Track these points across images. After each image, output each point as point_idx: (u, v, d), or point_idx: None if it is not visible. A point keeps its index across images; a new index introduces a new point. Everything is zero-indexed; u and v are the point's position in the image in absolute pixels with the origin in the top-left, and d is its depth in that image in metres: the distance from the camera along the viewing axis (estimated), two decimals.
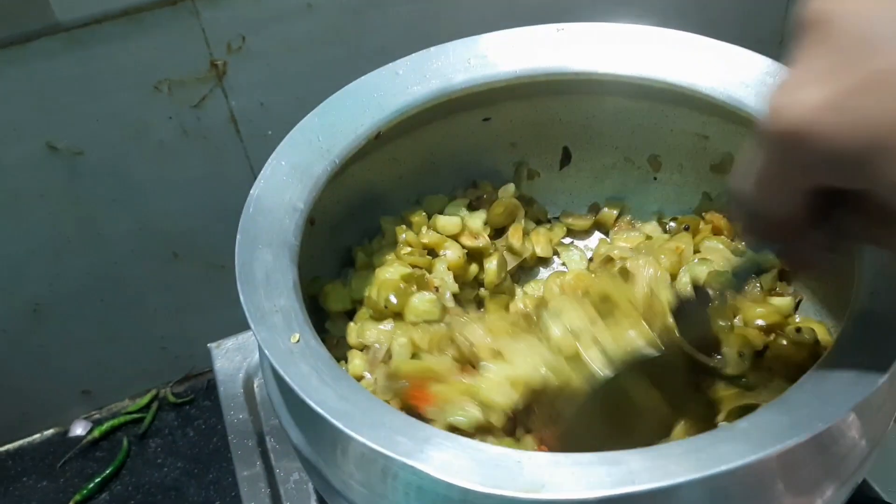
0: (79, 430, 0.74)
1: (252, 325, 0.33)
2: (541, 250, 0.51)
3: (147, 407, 0.75)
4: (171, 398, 0.75)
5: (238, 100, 0.65)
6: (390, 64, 0.46)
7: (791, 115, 0.22)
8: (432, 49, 0.46)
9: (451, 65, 0.46)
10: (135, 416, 0.74)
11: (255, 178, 0.68)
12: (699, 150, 0.49)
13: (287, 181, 0.40)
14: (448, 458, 0.28)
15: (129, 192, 0.66)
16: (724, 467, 0.26)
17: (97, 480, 0.69)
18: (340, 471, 0.32)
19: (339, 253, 0.50)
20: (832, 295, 0.43)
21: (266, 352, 0.31)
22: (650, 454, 0.28)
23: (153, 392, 0.76)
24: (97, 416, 0.76)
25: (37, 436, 0.75)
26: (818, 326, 0.41)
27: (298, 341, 0.33)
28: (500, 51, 0.46)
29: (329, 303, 0.45)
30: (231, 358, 0.56)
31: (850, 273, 0.34)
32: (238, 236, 0.37)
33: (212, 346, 0.57)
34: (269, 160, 0.41)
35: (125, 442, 0.72)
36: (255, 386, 0.55)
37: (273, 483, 0.48)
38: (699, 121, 0.47)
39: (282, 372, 0.31)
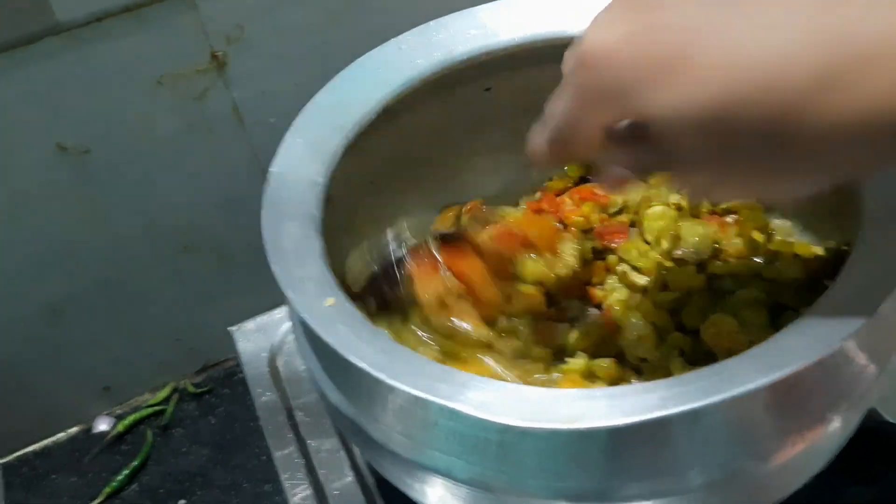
0: (102, 426, 0.76)
1: (286, 292, 0.34)
2: None
3: (167, 399, 0.76)
4: (191, 388, 0.77)
5: (240, 90, 0.66)
6: (392, 39, 0.47)
7: (593, 44, 0.28)
8: (432, 23, 0.48)
9: (452, 36, 0.47)
10: (156, 408, 0.76)
11: (260, 167, 0.70)
12: None
13: (304, 157, 0.42)
14: (486, 399, 0.30)
15: (137, 187, 0.67)
16: (741, 389, 0.28)
17: (126, 472, 0.70)
18: (381, 424, 0.34)
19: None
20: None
21: (304, 315, 0.33)
22: (677, 382, 0.30)
23: (172, 384, 0.77)
24: (119, 411, 0.77)
25: (61, 434, 0.76)
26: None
27: (333, 304, 0.34)
28: (499, 20, 0.48)
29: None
30: (253, 339, 0.58)
31: (848, 201, 0.36)
32: (262, 211, 0.38)
33: (232, 329, 0.59)
34: (285, 137, 0.42)
35: (149, 434, 0.73)
36: (279, 364, 0.56)
37: (306, 454, 0.50)
38: None
39: (320, 333, 0.32)
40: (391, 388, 0.31)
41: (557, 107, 0.31)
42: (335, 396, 0.36)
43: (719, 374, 0.29)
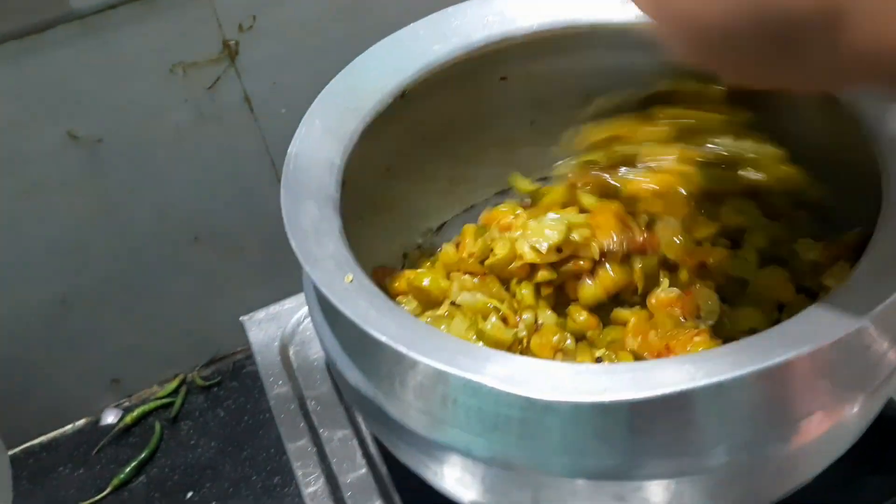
0: (110, 418, 0.75)
1: (307, 268, 0.34)
2: None
3: (176, 392, 0.76)
4: (199, 381, 0.77)
5: (251, 80, 0.66)
6: (410, 25, 0.47)
7: None
8: (450, 9, 0.48)
9: (470, 23, 0.47)
10: (164, 401, 0.75)
11: (270, 158, 0.70)
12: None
13: (322, 139, 0.41)
14: (508, 373, 0.29)
15: (149, 177, 0.67)
16: (765, 364, 0.28)
17: (133, 464, 0.70)
18: (400, 402, 0.34)
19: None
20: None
21: (324, 290, 0.33)
22: (698, 357, 0.29)
23: (181, 377, 0.77)
24: (127, 403, 0.77)
25: (69, 427, 0.76)
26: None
27: (352, 281, 0.34)
28: (515, 7, 0.48)
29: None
30: (265, 329, 0.57)
31: (869, 186, 0.36)
32: (282, 190, 0.38)
33: (244, 318, 0.58)
34: (303, 120, 0.42)
35: (157, 426, 0.73)
36: (290, 353, 0.56)
37: (318, 443, 0.50)
38: None
39: (341, 307, 0.32)
40: (412, 362, 0.31)
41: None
42: (353, 375, 0.36)
43: (744, 350, 0.29)
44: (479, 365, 0.30)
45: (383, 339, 0.30)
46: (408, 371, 0.33)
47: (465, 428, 0.32)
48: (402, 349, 0.30)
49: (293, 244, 0.35)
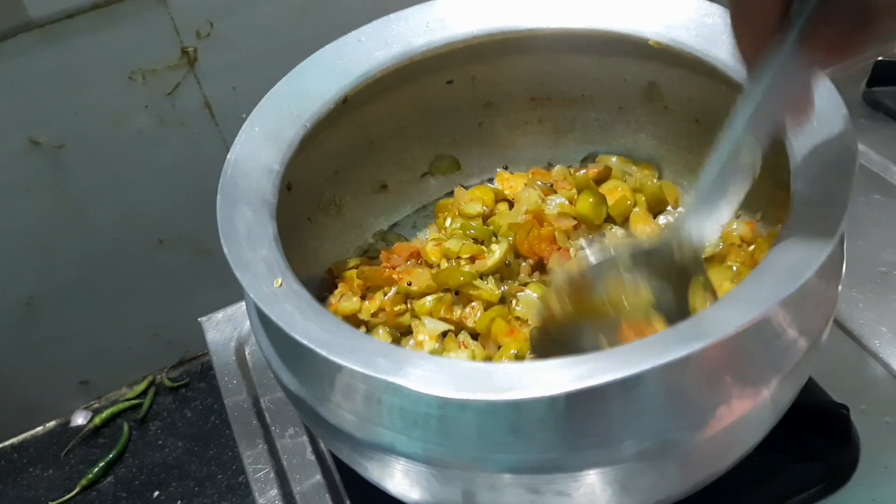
0: (80, 419, 0.76)
1: (236, 273, 0.35)
2: None
3: (144, 393, 0.77)
4: (168, 383, 0.78)
5: (211, 85, 0.67)
6: (353, 32, 0.48)
7: None
8: (391, 15, 0.49)
9: (411, 29, 0.48)
10: (133, 402, 0.76)
11: (221, 174, 0.71)
12: (652, 97, 0.52)
13: (261, 146, 0.43)
14: (424, 374, 0.30)
15: (112, 181, 0.68)
16: (667, 359, 0.29)
17: (101, 465, 0.71)
18: (330, 402, 0.35)
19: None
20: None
21: (251, 294, 0.34)
22: (607, 355, 0.30)
23: (149, 378, 0.78)
24: (96, 405, 0.78)
25: (39, 428, 0.77)
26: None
27: (281, 285, 0.35)
28: (456, 13, 0.49)
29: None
30: (222, 329, 0.58)
31: (779, 190, 0.37)
32: (219, 196, 0.39)
33: (202, 319, 0.59)
34: (243, 127, 0.43)
35: (126, 427, 0.74)
36: (246, 353, 0.57)
37: (270, 440, 0.51)
38: (648, 68, 0.50)
39: (267, 311, 0.33)
40: (333, 365, 0.32)
41: None
42: (286, 377, 0.37)
43: (651, 345, 0.30)
44: (397, 366, 0.31)
45: (304, 342, 0.31)
46: (333, 373, 0.34)
47: (389, 426, 0.33)
48: (323, 352, 0.31)
49: (225, 249, 0.36)
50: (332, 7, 0.66)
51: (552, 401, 0.31)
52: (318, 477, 0.49)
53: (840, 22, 0.28)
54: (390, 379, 0.30)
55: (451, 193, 0.57)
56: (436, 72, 0.52)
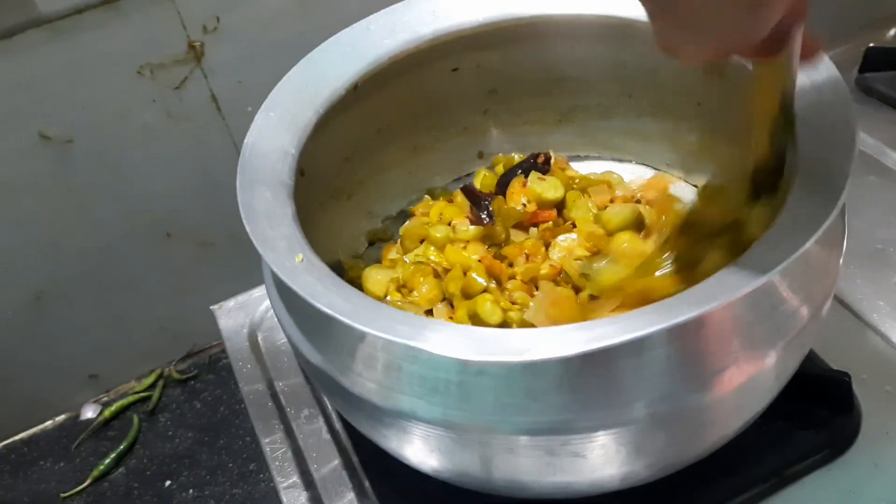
0: (89, 413, 0.77)
1: (259, 249, 0.36)
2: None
3: (153, 386, 0.78)
4: (176, 375, 0.78)
5: (217, 79, 0.68)
6: (362, 20, 0.49)
7: None
8: (399, 4, 0.50)
9: (418, 17, 0.50)
10: (142, 395, 0.77)
11: (239, 154, 0.72)
12: (655, 82, 0.53)
13: (277, 130, 0.44)
14: (443, 339, 0.31)
15: (120, 175, 0.69)
16: (674, 321, 0.30)
17: (112, 456, 0.72)
18: (351, 372, 0.36)
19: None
20: None
21: (274, 268, 0.35)
22: (619, 319, 0.31)
23: (158, 371, 0.79)
24: (105, 398, 0.79)
25: (49, 422, 0.77)
26: None
27: (302, 260, 0.36)
28: (462, 2, 0.50)
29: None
30: (234, 317, 0.59)
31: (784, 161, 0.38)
32: (238, 178, 0.40)
33: (214, 307, 0.60)
34: (259, 112, 0.44)
35: (136, 419, 0.75)
36: (259, 340, 0.58)
37: (286, 422, 0.52)
38: (651, 53, 0.51)
39: (290, 284, 0.34)
40: (354, 332, 0.33)
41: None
42: (307, 348, 0.38)
43: (660, 309, 0.31)
44: (417, 332, 0.32)
45: (329, 311, 0.33)
46: (354, 341, 0.35)
47: (409, 392, 0.35)
48: (346, 320, 0.32)
49: (247, 227, 0.37)
50: (336, 0, 0.67)
51: (566, 362, 0.32)
52: (335, 456, 0.50)
53: None
54: (411, 343, 0.31)
55: (458, 180, 0.58)
56: (442, 59, 0.53)
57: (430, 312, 0.47)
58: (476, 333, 0.32)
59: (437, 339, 0.32)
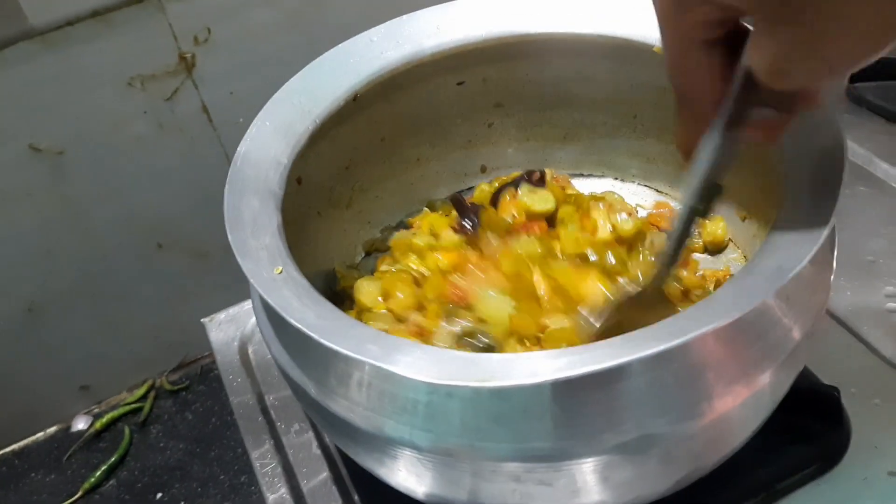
0: (80, 424, 0.77)
1: (239, 259, 0.36)
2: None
3: (144, 397, 0.78)
4: (168, 386, 0.78)
5: (208, 90, 0.68)
6: (365, 32, 0.49)
7: None
8: (404, 17, 0.50)
9: (422, 30, 0.49)
10: (133, 406, 0.77)
11: (230, 165, 0.72)
12: (660, 103, 0.52)
13: (271, 139, 0.43)
14: (412, 361, 0.30)
15: (111, 186, 0.69)
16: (648, 352, 0.28)
17: (103, 468, 0.71)
18: (324, 387, 0.35)
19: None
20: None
21: (252, 281, 0.34)
22: (592, 348, 0.30)
23: (149, 382, 0.79)
24: (97, 410, 0.79)
25: (40, 434, 0.77)
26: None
27: (281, 272, 0.36)
28: (468, 16, 0.49)
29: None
30: (224, 329, 0.59)
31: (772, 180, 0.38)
32: (227, 185, 0.40)
33: (205, 320, 0.60)
34: (255, 120, 0.44)
35: (127, 430, 0.74)
36: (249, 352, 0.58)
37: (276, 436, 0.52)
38: (657, 74, 0.51)
39: (266, 297, 0.34)
40: (326, 350, 0.32)
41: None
42: (285, 360, 0.37)
43: (635, 339, 0.30)
44: (387, 353, 0.31)
45: (299, 326, 0.32)
46: (328, 358, 0.35)
47: (379, 411, 0.34)
48: (315, 336, 0.32)
49: (230, 235, 0.37)
50: (327, 12, 0.67)
51: (536, 389, 0.31)
52: (325, 470, 0.49)
53: (765, 113, 0.31)
54: (379, 364, 0.31)
55: (459, 194, 0.57)
56: (447, 72, 0.52)
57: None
58: (445, 356, 0.32)
59: (406, 361, 0.31)
